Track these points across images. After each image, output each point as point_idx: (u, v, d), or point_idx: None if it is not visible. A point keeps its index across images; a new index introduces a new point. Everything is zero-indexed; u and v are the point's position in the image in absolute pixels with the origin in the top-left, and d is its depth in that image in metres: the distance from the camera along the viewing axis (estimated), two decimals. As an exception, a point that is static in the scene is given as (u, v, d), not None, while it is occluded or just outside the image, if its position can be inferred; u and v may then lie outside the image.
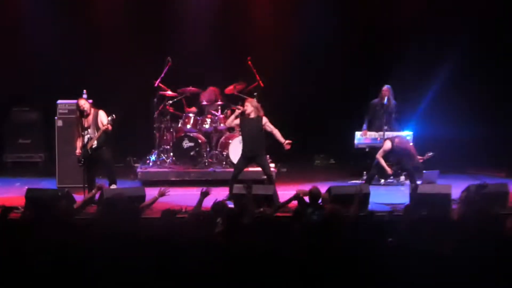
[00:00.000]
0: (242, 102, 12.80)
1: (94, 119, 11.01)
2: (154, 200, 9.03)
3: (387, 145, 12.06)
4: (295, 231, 6.61)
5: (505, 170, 13.32)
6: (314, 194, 8.96)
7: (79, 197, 10.42)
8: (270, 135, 11.34)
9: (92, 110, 11.09)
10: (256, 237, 6.08)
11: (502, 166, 13.47)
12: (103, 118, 10.98)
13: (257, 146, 11.26)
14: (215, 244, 6.05)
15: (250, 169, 12.13)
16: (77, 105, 11.10)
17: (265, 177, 11.40)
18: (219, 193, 10.77)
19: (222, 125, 13.07)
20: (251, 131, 11.26)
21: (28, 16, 14.10)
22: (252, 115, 11.26)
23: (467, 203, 8.53)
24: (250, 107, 11.30)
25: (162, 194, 9.01)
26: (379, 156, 12.04)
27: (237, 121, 11.54)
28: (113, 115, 10.86)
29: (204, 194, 8.64)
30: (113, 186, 11.07)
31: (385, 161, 12.04)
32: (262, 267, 5.54)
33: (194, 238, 6.07)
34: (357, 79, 13.94)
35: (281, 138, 11.32)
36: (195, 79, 13.55)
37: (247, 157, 11.34)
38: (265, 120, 11.30)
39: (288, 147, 11.31)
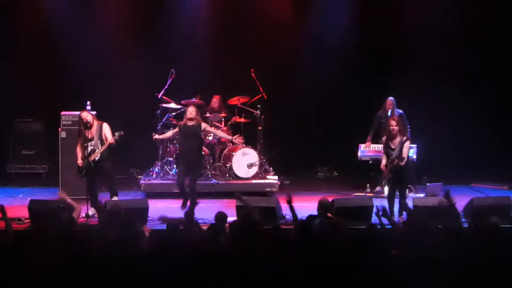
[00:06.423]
0: (246, 114, 12.91)
1: (98, 131, 10.98)
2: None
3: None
4: (300, 242, 6.61)
5: (508, 183, 13.30)
6: (323, 205, 8.90)
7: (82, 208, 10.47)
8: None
9: (96, 122, 11.08)
10: (264, 247, 6.07)
11: (505, 179, 13.43)
12: (107, 131, 10.96)
13: (195, 154, 11.26)
14: (221, 254, 6.05)
15: (253, 181, 12.12)
16: (80, 117, 11.13)
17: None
18: (222, 206, 10.80)
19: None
20: (189, 138, 11.25)
21: (32, 29, 14.13)
22: (192, 122, 11.27)
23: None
24: (193, 112, 11.29)
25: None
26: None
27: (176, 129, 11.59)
28: (121, 132, 10.92)
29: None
30: (115, 198, 11.11)
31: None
32: (265, 276, 5.54)
33: (200, 248, 6.07)
34: (361, 90, 13.93)
35: (227, 136, 11.22)
36: (198, 91, 13.57)
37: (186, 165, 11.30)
38: (204, 125, 11.28)
39: (239, 140, 11.50)
